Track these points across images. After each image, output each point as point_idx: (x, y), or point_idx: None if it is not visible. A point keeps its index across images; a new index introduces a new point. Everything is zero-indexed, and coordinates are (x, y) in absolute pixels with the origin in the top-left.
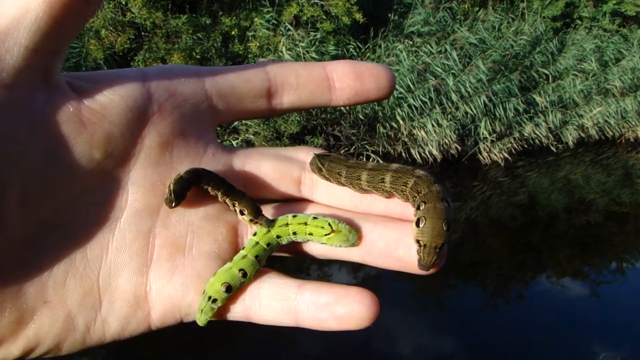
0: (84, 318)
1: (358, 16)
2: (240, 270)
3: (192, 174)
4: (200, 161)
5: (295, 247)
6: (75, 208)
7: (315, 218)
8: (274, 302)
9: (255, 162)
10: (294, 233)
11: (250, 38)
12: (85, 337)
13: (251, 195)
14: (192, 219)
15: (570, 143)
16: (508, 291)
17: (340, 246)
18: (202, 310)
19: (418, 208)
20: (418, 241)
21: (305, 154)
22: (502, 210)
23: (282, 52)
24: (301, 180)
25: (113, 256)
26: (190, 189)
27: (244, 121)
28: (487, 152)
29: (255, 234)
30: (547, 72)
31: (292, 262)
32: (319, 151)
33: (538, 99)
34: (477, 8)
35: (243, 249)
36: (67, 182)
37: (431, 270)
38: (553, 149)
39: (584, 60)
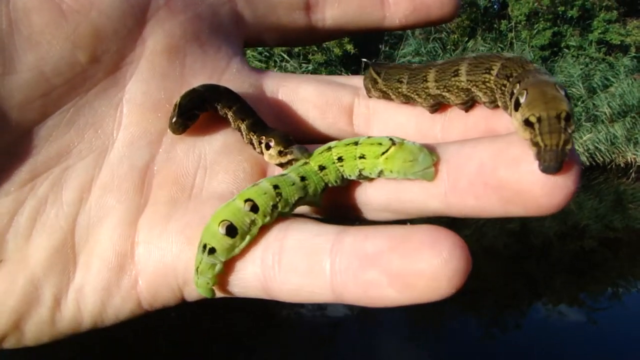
0: (52, 286)
1: (349, 47)
2: (246, 201)
3: (209, 90)
4: (221, 77)
5: (344, 198)
6: (47, 132)
7: (370, 137)
8: (298, 259)
9: (293, 86)
10: (340, 159)
11: None
12: (54, 316)
13: (286, 131)
14: (206, 150)
15: None
16: (504, 320)
17: (407, 176)
18: (198, 270)
19: (512, 94)
20: (527, 119)
21: (359, 80)
22: (496, 239)
23: None
24: (354, 110)
25: (96, 199)
26: (204, 111)
27: None
28: None
29: None
30: None
31: None
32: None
33: None
34: (467, 38)
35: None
36: (37, 94)
37: (565, 179)
38: None
39: (572, 86)
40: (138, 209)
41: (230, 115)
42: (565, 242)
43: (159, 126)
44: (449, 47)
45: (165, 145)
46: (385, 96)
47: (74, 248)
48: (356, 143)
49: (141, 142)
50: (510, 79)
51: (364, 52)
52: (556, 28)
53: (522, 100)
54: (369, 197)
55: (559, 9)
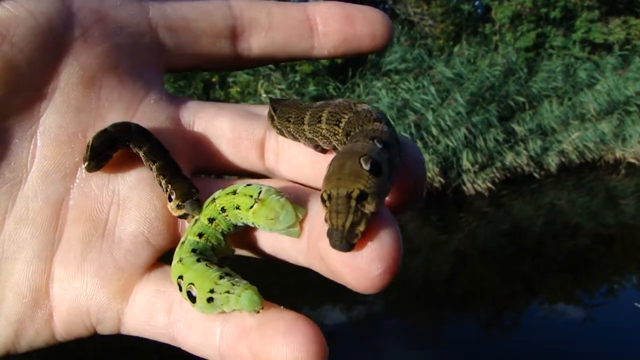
0: None
1: None
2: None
3: (120, 129)
4: (137, 109)
5: (245, 240)
6: None
7: (248, 185)
8: (198, 321)
9: (208, 117)
10: (223, 209)
11: (230, 84)
12: None
13: (201, 165)
14: (119, 186)
15: (552, 169)
16: (502, 320)
17: (273, 232)
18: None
19: None
20: (322, 195)
21: None
22: (489, 240)
23: (260, 94)
24: (265, 144)
25: (10, 232)
26: (117, 150)
27: None
28: (470, 183)
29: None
30: (522, 99)
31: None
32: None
33: (517, 128)
34: (452, 43)
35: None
36: None
37: (369, 263)
38: (536, 175)
39: (555, 81)
40: (53, 244)
41: (141, 155)
42: (559, 241)
43: (74, 159)
44: (435, 52)
45: (79, 180)
46: (281, 133)
47: None
48: (234, 192)
49: (56, 176)
50: (348, 138)
51: (352, 62)
52: (540, 29)
53: (326, 173)
54: (260, 243)
55: (541, 10)
